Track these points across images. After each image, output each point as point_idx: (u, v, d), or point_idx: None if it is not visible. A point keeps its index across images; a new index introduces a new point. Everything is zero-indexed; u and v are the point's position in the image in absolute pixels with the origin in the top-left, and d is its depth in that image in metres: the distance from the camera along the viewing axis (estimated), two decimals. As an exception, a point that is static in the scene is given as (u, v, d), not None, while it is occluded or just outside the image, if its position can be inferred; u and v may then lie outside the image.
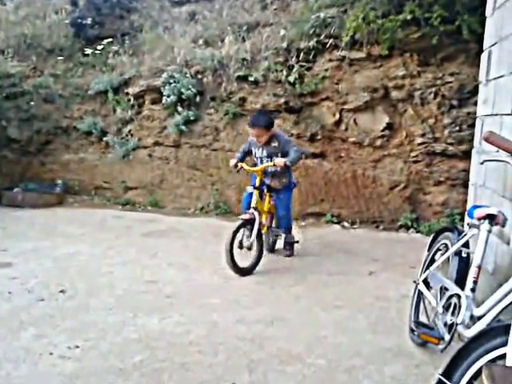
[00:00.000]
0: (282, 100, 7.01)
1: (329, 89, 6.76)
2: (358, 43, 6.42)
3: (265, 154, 4.99)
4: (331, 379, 2.69)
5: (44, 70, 9.01)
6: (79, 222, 6.72)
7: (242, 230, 4.64)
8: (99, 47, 8.87)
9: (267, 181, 5.04)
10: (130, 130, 8.17)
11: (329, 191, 6.99)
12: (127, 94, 8.16)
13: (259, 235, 4.73)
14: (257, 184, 4.87)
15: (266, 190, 4.98)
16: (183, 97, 7.53)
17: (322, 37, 6.68)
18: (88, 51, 8.94)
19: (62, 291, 3.96)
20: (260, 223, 4.73)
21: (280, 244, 5.36)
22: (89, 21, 9.19)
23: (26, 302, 3.72)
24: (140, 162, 8.06)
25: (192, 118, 7.57)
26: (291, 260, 5.19)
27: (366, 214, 6.86)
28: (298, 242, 5.37)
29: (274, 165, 4.77)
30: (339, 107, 6.77)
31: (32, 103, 8.55)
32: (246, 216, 4.64)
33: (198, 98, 7.56)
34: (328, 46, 6.67)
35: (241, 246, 4.58)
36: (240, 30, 7.81)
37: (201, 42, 8.09)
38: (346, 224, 6.85)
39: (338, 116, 6.78)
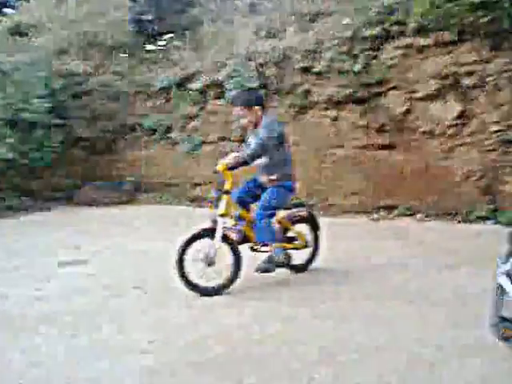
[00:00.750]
0: (348, 91, 7.24)
1: (396, 77, 6.93)
2: (425, 29, 6.56)
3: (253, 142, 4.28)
4: (412, 373, 2.77)
5: (108, 68, 9.65)
6: (149, 218, 7.28)
7: (204, 241, 4.07)
8: (161, 43, 9.41)
9: (260, 178, 4.40)
10: (194, 126, 8.66)
11: (400, 183, 7.14)
12: (190, 89, 8.61)
13: (234, 250, 4.13)
14: (226, 187, 4.11)
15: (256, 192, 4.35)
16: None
17: (387, 24, 6.86)
18: (150, 47, 9.55)
19: (137, 287, 4.28)
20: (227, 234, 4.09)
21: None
22: (149, 16, 9.83)
23: (103, 298, 4.07)
24: (206, 157, 8.42)
25: (256, 112, 8.00)
26: (362, 250, 5.45)
27: (440, 206, 6.93)
28: (282, 264, 4.38)
29: (230, 163, 4.07)
30: (408, 96, 6.94)
31: (98, 102, 9.24)
32: (206, 225, 4.12)
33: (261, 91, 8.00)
34: (394, 33, 6.88)
35: (204, 261, 4.02)
36: (302, 20, 8.10)
37: (262, 33, 8.40)
38: (419, 216, 6.99)
39: (407, 105, 6.96)
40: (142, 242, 5.90)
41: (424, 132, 6.98)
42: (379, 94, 7.15)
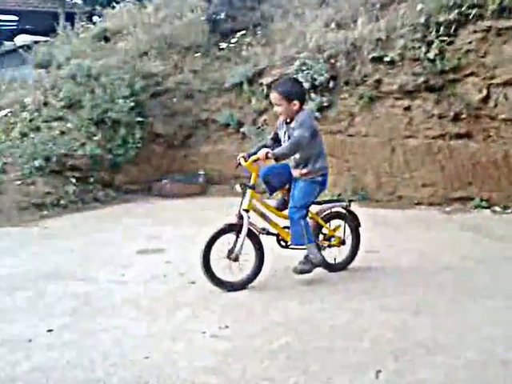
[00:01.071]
0: (422, 79, 6.97)
1: (473, 63, 6.58)
2: (506, 10, 6.21)
3: (286, 136, 4.08)
4: (484, 372, 2.66)
5: (184, 67, 9.87)
6: (221, 209, 7.36)
7: (229, 236, 3.97)
8: (233, 40, 9.54)
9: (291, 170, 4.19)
10: (265, 120, 8.63)
11: (477, 174, 6.81)
12: (261, 84, 8.63)
13: (258, 244, 4.04)
14: (251, 182, 4.03)
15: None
16: (316, 83, 7.80)
17: (464, 7, 6.53)
18: (223, 45, 9.73)
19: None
20: (252, 229, 3.97)
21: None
22: (222, 15, 9.99)
23: (179, 284, 4.16)
24: None
25: (326, 104, 7.83)
26: (436, 244, 5.24)
27: None
28: (320, 264, 4.16)
29: (258, 159, 3.90)
30: (486, 82, 6.55)
31: (174, 99, 9.52)
32: (231, 220, 3.97)
33: (331, 83, 7.77)
34: (471, 16, 6.55)
35: (230, 256, 3.92)
36: (373, 9, 7.88)
37: (333, 25, 8.27)
38: (497, 209, 6.63)
39: (485, 92, 6.57)
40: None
41: (504, 119, 6.57)
42: (455, 81, 6.83)
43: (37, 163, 7.43)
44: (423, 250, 5.07)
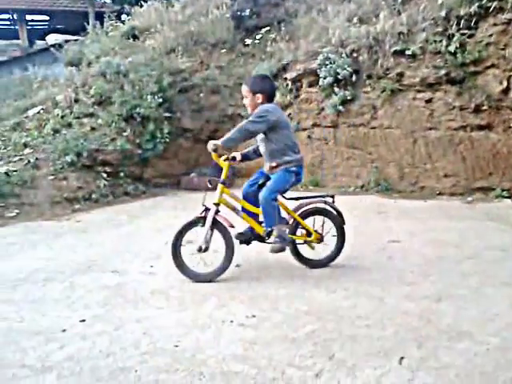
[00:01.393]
0: (443, 71, 6.92)
1: (494, 55, 6.50)
2: (526, 3, 6.10)
3: None
4: (506, 358, 2.64)
5: (210, 64, 9.93)
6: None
7: (197, 229, 3.99)
8: (258, 36, 9.56)
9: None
10: (289, 114, 8.63)
11: (498, 164, 6.76)
12: (285, 79, 8.67)
13: (227, 238, 4.01)
14: (222, 177, 4.08)
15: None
16: (339, 77, 7.82)
17: (484, 1, 6.44)
18: (248, 41, 9.75)
19: (237, 265, 4.32)
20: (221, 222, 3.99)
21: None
22: (247, 12, 10.00)
23: (208, 274, 4.22)
24: (300, 143, 8.52)
25: (349, 98, 7.85)
26: (458, 234, 5.17)
27: None
28: (291, 241, 4.09)
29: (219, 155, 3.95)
30: (507, 74, 6.46)
31: (201, 95, 9.58)
32: (199, 213, 4.00)
33: (353, 77, 7.78)
34: (492, 9, 6.44)
35: (200, 249, 3.94)
36: (395, 4, 7.82)
37: (355, 20, 8.25)
38: (518, 199, 6.56)
39: (505, 84, 6.48)
40: (242, 224, 5.98)
41: (525, 110, 6.46)
42: (475, 74, 6.77)
43: (68, 158, 7.54)
44: (445, 240, 5.02)
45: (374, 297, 3.58)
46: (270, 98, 4.07)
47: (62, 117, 8.50)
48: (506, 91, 6.56)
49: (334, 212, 4.20)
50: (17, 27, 19.64)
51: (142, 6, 12.94)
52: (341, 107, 7.88)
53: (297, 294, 3.68)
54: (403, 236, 5.18)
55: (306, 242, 4.23)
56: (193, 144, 9.54)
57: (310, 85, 8.42)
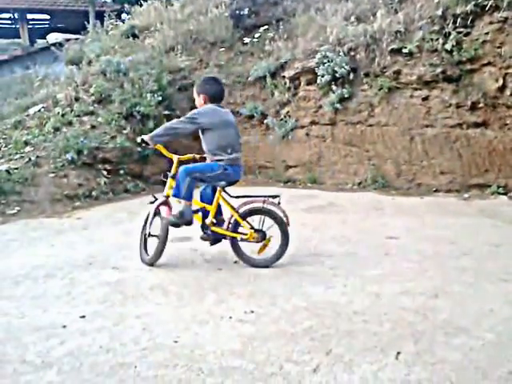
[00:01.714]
0: (439, 69, 6.89)
1: (490, 53, 6.47)
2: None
3: None
4: (501, 353, 2.65)
5: (209, 62, 9.91)
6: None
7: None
8: (256, 35, 9.54)
9: None
10: (287, 112, 8.67)
11: (493, 161, 6.74)
12: (284, 77, 8.66)
13: (162, 224, 4.18)
14: (172, 171, 4.27)
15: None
16: (337, 75, 7.79)
17: (480, -1, 6.48)
18: (246, 40, 9.71)
19: (235, 262, 4.35)
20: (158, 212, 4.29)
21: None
22: (246, 11, 9.99)
23: (206, 270, 4.17)
24: (298, 141, 8.52)
25: (346, 96, 7.84)
26: (454, 230, 5.16)
27: None
28: (188, 222, 4.18)
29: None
30: (503, 72, 6.44)
31: (200, 93, 9.67)
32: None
33: (351, 75, 7.75)
34: (488, 7, 6.41)
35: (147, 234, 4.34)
36: (392, 2, 7.78)
37: (352, 18, 8.22)
38: (513, 195, 6.55)
39: (501, 81, 6.45)
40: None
41: (520, 108, 6.45)
42: (472, 71, 6.75)
43: (69, 156, 7.52)
44: (442, 236, 5.02)
45: (371, 293, 3.58)
46: (212, 99, 4.20)
47: (63, 115, 8.47)
48: (501, 89, 6.55)
49: (279, 212, 4.13)
50: (18, 26, 19.60)
51: (141, 5, 12.91)
52: (338, 105, 7.87)
53: (295, 290, 3.68)
54: (400, 232, 5.17)
55: (242, 239, 4.23)
56: (192, 141, 9.49)
57: (308, 83, 8.41)
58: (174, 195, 4.16)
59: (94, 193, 7.42)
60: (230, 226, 4.22)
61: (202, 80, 4.37)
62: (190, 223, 4.19)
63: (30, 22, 20.24)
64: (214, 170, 4.11)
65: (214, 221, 4.27)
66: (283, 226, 4.14)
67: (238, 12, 10.05)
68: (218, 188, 4.18)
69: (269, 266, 4.22)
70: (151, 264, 4.27)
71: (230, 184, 4.23)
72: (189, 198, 4.12)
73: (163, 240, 4.19)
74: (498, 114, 6.65)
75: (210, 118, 4.07)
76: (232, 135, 4.21)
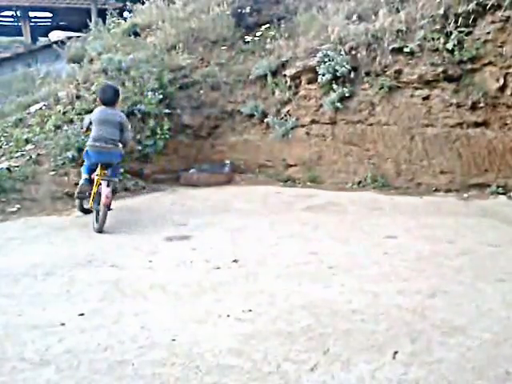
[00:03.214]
0: (440, 69, 6.87)
1: (491, 53, 6.46)
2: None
3: None
4: (497, 353, 2.66)
5: (210, 60, 9.86)
6: (246, 198, 7.42)
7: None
8: (258, 34, 9.49)
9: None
10: (288, 111, 8.63)
11: (493, 161, 6.73)
12: (285, 76, 8.62)
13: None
14: None
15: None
16: (338, 74, 7.76)
17: (482, -2, 6.46)
18: (248, 39, 9.68)
19: (234, 261, 4.36)
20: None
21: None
22: (247, 9, 9.95)
23: (204, 270, 4.19)
24: (298, 140, 8.48)
25: (347, 95, 7.81)
26: (453, 230, 5.14)
27: None
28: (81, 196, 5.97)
29: None
30: (504, 71, 6.42)
31: (201, 92, 9.55)
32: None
33: (352, 74, 7.73)
34: (490, 7, 6.40)
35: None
36: (394, 1, 7.73)
37: (354, 17, 8.19)
38: (513, 195, 6.54)
39: (502, 81, 6.44)
40: (239, 220, 6.02)
41: (521, 108, 6.44)
42: (473, 71, 6.75)
43: (70, 154, 7.51)
44: (440, 236, 5.02)
45: (368, 292, 3.59)
46: (103, 102, 5.90)
47: (64, 113, 8.47)
48: (502, 89, 6.54)
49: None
50: (20, 24, 19.59)
51: (143, 3, 12.88)
52: (339, 104, 7.86)
53: (293, 289, 3.69)
54: (399, 232, 5.18)
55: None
56: (193, 140, 9.52)
57: (309, 82, 8.39)
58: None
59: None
60: None
61: (100, 87, 6.18)
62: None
63: (32, 20, 20.26)
64: (85, 156, 5.88)
65: None
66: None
67: (239, 10, 10.02)
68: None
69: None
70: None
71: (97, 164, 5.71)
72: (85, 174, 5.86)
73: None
74: (498, 114, 6.65)
75: (94, 116, 5.83)
76: (104, 129, 5.73)
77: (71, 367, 2.59)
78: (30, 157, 7.46)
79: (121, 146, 6.03)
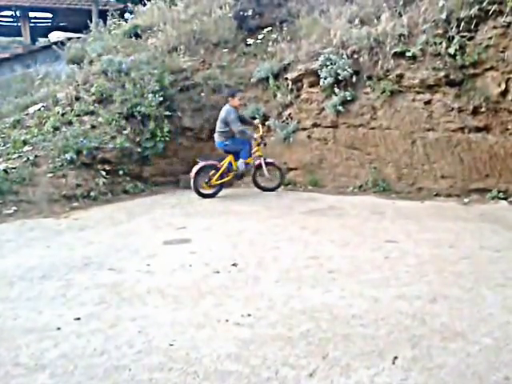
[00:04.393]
0: (442, 73, 6.88)
1: (493, 58, 6.45)
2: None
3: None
4: (498, 358, 2.65)
5: (212, 63, 9.89)
6: (245, 201, 7.40)
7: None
8: (260, 37, 9.50)
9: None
10: (289, 114, 8.65)
11: (494, 166, 6.72)
12: (286, 79, 8.64)
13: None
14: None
15: None
16: (340, 78, 7.78)
17: (484, 3, 6.40)
18: (250, 41, 9.68)
19: (234, 264, 4.34)
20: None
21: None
22: (250, 12, 9.95)
23: (204, 273, 4.16)
24: (300, 143, 8.49)
25: (349, 98, 7.82)
26: (454, 234, 5.15)
27: None
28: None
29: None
30: (505, 76, 6.41)
31: (202, 94, 9.55)
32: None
33: (354, 78, 7.74)
34: (492, 12, 6.41)
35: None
36: (396, 6, 7.76)
37: (356, 21, 8.19)
38: (514, 200, 6.53)
39: (503, 86, 6.43)
40: (239, 223, 6.03)
41: (522, 113, 6.45)
42: (474, 76, 6.74)
43: (68, 156, 7.52)
44: (441, 240, 5.00)
45: (369, 296, 3.58)
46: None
47: (63, 114, 8.48)
48: (504, 93, 6.53)
49: None
50: (20, 24, 19.61)
51: (145, 4, 12.92)
52: (341, 107, 7.86)
53: (293, 294, 3.68)
54: (399, 236, 5.16)
55: None
56: (193, 143, 9.52)
57: (311, 85, 8.40)
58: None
59: (92, 193, 7.41)
60: None
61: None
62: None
63: (32, 21, 20.27)
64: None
65: None
66: None
67: (241, 13, 10.04)
68: None
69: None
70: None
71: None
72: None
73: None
74: (499, 119, 6.64)
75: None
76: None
77: (66, 372, 2.58)
78: (28, 158, 7.46)
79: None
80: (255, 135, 7.90)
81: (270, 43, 9.33)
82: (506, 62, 6.40)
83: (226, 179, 7.83)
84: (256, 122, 8.13)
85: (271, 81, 8.82)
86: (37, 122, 8.52)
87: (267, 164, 7.90)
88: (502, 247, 4.69)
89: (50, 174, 7.28)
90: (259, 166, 7.94)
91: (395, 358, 2.68)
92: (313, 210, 6.65)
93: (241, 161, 7.82)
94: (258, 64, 9.18)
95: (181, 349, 2.82)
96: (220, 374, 2.55)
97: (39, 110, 8.92)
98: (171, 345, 2.86)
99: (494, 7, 6.37)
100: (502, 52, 6.42)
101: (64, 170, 7.45)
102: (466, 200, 6.80)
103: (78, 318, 3.24)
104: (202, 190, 7.68)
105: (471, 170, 6.91)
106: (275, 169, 8.13)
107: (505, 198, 6.63)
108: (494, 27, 6.46)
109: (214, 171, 7.72)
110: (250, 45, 9.66)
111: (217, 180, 7.74)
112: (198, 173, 7.61)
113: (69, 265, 4.41)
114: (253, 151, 7.96)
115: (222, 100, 9.34)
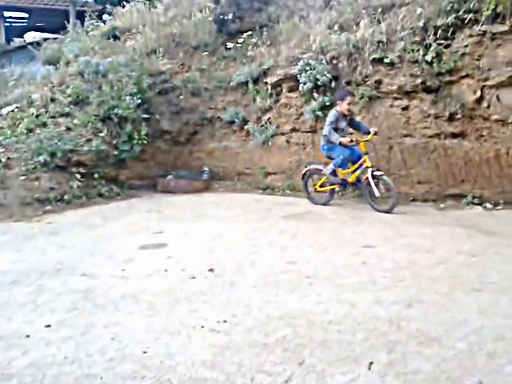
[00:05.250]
0: (419, 80, 6.97)
1: (469, 66, 6.57)
2: (500, 16, 6.20)
3: (345, 124, 6.84)
4: (472, 363, 2.67)
5: (191, 66, 9.83)
6: (224, 205, 7.40)
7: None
8: (239, 41, 9.49)
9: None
10: (268, 118, 8.64)
11: (469, 172, 6.83)
12: (266, 83, 8.64)
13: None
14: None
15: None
16: (319, 83, 7.81)
17: (460, 12, 6.53)
18: (229, 45, 9.67)
19: (211, 270, 4.31)
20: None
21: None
22: (230, 16, 9.94)
23: (180, 279, 4.12)
24: (278, 148, 8.49)
25: (328, 104, 7.81)
26: (430, 239, 5.22)
27: (511, 195, 6.59)
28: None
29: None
30: (480, 84, 6.54)
31: (181, 97, 9.48)
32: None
33: (333, 84, 7.78)
34: (467, 21, 6.52)
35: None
36: (375, 13, 7.83)
37: (336, 27, 8.25)
38: (488, 205, 6.65)
39: (479, 93, 6.56)
40: (216, 228, 5.99)
41: (496, 120, 6.59)
42: (450, 83, 6.86)
43: (42, 159, 7.36)
44: (418, 245, 5.05)
45: (346, 302, 3.58)
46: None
47: (37, 116, 8.32)
48: (479, 101, 6.67)
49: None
50: (-6, 24, 19.30)
51: (124, 6, 12.82)
52: (319, 113, 7.89)
53: (269, 299, 3.66)
54: (377, 241, 5.20)
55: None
56: (171, 146, 9.46)
57: (290, 90, 8.42)
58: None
59: (66, 197, 7.27)
60: None
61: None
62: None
63: (7, 20, 19.98)
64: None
65: None
66: None
67: (221, 17, 10.02)
68: None
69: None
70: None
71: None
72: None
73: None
74: (474, 126, 6.77)
75: None
76: None
77: (35, 381, 2.51)
78: (0, 160, 7.28)
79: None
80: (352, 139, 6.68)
81: (250, 47, 9.33)
82: (481, 69, 6.53)
83: (331, 187, 7.06)
84: (373, 130, 6.73)
85: (251, 85, 8.81)
86: (10, 123, 8.33)
87: (375, 177, 6.53)
88: (478, 252, 4.75)
89: (23, 177, 7.12)
90: (368, 183, 6.63)
91: (371, 363, 2.68)
92: (291, 215, 6.65)
93: (329, 166, 6.94)
94: (238, 68, 9.17)
95: (155, 356, 2.77)
96: (194, 381, 2.51)
97: (13, 111, 8.73)
98: (145, 352, 2.81)
99: (470, 16, 6.48)
100: (478, 60, 6.54)
101: (37, 173, 7.29)
102: (442, 205, 6.90)
103: (49, 325, 3.16)
104: (312, 196, 7.35)
105: (447, 176, 7.00)
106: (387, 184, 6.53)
107: (479, 204, 6.75)
108: (470, 35, 6.58)
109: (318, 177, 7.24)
110: (229, 49, 9.65)
111: (321, 186, 7.23)
112: (304, 178, 7.38)
113: (40, 270, 4.31)
114: (360, 161, 6.70)
115: (201, 103, 9.37)
